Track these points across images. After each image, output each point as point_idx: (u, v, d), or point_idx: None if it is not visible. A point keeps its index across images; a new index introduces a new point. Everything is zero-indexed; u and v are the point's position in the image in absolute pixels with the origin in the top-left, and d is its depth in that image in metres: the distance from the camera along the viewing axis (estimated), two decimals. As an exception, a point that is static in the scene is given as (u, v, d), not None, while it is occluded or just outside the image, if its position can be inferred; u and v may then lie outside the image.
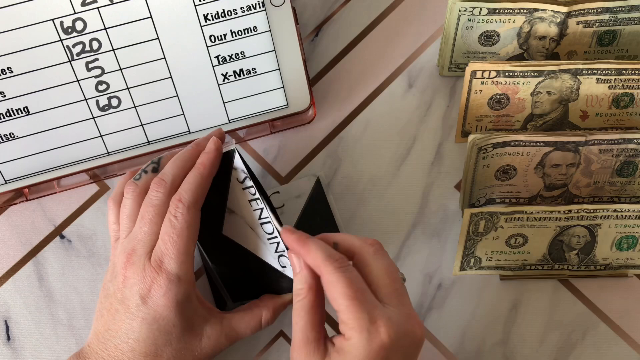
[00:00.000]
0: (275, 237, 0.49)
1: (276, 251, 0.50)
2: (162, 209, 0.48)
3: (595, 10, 0.55)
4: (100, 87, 0.55)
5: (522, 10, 0.54)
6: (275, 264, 0.51)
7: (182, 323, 0.47)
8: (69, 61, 0.53)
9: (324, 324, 0.45)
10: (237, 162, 0.50)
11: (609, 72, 0.54)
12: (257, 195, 0.49)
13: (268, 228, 0.50)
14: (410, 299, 0.45)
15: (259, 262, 0.51)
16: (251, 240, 0.51)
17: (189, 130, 0.57)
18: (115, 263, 0.49)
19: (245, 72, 0.56)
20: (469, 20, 0.55)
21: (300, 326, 0.44)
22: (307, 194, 0.57)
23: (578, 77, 0.54)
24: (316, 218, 0.57)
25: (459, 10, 0.54)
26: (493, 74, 0.54)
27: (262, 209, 0.49)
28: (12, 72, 0.53)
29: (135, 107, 0.56)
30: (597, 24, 0.56)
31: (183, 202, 0.47)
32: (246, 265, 0.52)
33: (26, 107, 0.54)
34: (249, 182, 0.49)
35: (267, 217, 0.49)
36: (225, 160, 0.50)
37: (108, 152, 0.56)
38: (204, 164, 0.49)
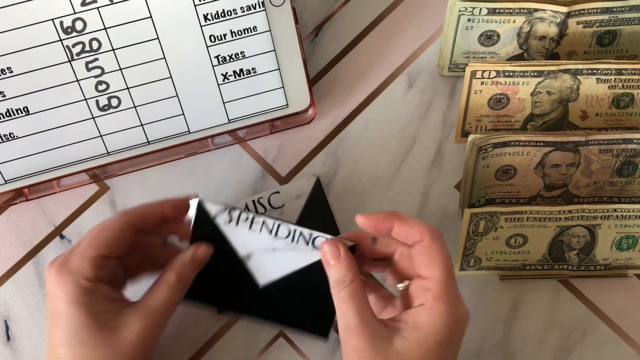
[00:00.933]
0: (295, 229, 0.47)
1: (307, 244, 0.48)
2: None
3: (595, 10, 0.55)
4: (100, 87, 0.55)
5: (522, 10, 0.54)
6: (316, 256, 0.48)
7: (88, 320, 0.45)
8: (69, 61, 0.53)
9: None
10: (210, 206, 0.48)
11: (609, 72, 0.54)
12: (249, 215, 0.48)
13: (283, 232, 0.48)
14: None
15: (304, 272, 0.48)
16: (283, 260, 0.48)
17: (189, 130, 0.57)
18: None
19: (245, 72, 0.56)
20: (469, 20, 0.55)
21: (354, 309, 0.43)
22: (307, 194, 0.57)
23: (578, 77, 0.54)
24: (316, 218, 0.57)
25: (459, 10, 0.54)
26: (493, 74, 0.54)
27: (263, 222, 0.48)
28: (12, 72, 0.53)
29: (135, 107, 0.56)
30: (597, 24, 0.56)
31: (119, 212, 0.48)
32: (297, 289, 0.49)
33: (26, 107, 0.54)
34: (235, 212, 0.48)
35: (273, 223, 0.48)
36: (207, 223, 0.48)
37: (108, 152, 0.56)
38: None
